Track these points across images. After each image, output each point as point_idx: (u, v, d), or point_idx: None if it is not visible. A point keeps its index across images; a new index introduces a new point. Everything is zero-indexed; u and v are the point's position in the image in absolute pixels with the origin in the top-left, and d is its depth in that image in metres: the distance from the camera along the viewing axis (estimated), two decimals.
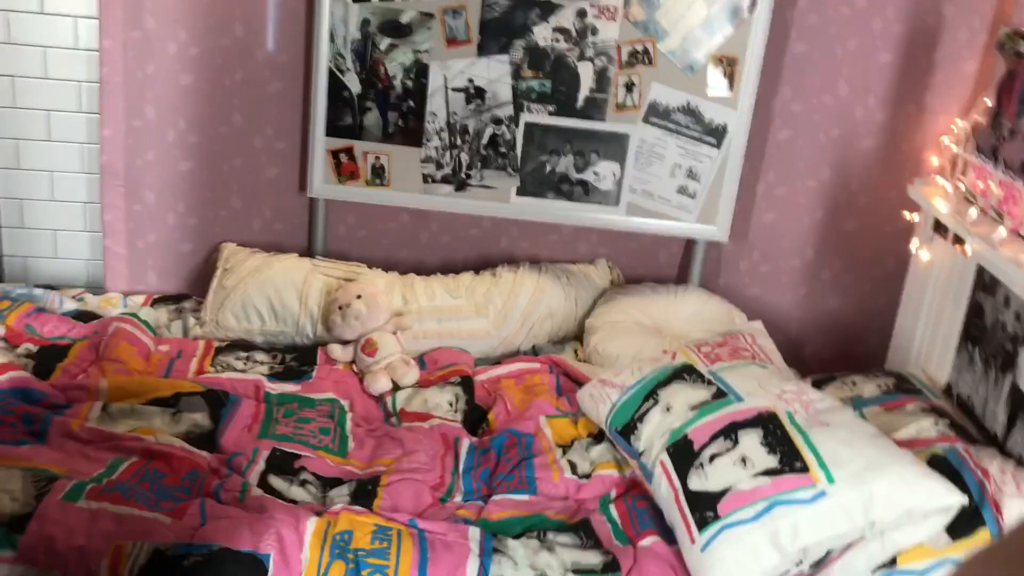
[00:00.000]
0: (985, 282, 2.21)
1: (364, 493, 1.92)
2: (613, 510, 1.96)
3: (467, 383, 2.38)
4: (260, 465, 1.95)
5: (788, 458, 1.84)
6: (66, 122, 2.62)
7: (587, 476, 2.06)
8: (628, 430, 2.09)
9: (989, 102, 2.30)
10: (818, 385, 2.32)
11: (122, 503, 1.69)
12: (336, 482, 1.96)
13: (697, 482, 1.87)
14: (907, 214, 2.58)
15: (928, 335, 2.48)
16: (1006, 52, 2.23)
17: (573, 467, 2.08)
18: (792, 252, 2.80)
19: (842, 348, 2.85)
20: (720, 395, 2.05)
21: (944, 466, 1.88)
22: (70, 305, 2.53)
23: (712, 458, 1.90)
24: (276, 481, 1.93)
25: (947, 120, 2.59)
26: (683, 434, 1.98)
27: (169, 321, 2.55)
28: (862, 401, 2.24)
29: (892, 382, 2.32)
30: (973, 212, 2.18)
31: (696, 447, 1.94)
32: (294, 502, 1.86)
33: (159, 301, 2.63)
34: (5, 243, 2.73)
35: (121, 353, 2.27)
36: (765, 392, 2.05)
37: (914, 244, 2.53)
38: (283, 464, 1.97)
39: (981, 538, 1.76)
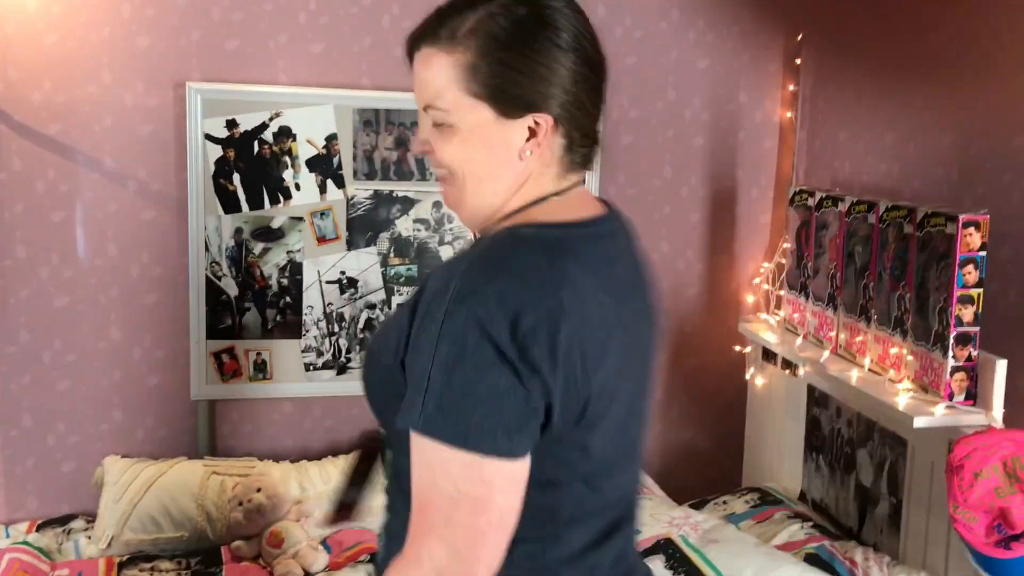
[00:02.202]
0: (817, 398, 2.58)
1: None
2: None
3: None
4: None
5: None
6: None
7: None
8: None
9: (788, 246, 2.75)
10: (696, 508, 2.58)
11: None
12: None
13: None
14: (737, 347, 2.97)
15: (776, 450, 2.82)
16: (796, 206, 2.70)
17: None
18: None
19: (700, 473, 3.15)
20: None
21: (818, 562, 2.17)
22: None
23: None
24: None
25: (755, 264, 3.04)
26: None
27: (59, 545, 2.49)
28: (736, 517, 2.52)
29: (757, 497, 2.62)
30: (798, 340, 2.57)
31: None
32: None
33: (44, 525, 2.56)
34: None
35: None
36: (658, 521, 2.28)
37: (749, 372, 2.91)
38: None
39: None
